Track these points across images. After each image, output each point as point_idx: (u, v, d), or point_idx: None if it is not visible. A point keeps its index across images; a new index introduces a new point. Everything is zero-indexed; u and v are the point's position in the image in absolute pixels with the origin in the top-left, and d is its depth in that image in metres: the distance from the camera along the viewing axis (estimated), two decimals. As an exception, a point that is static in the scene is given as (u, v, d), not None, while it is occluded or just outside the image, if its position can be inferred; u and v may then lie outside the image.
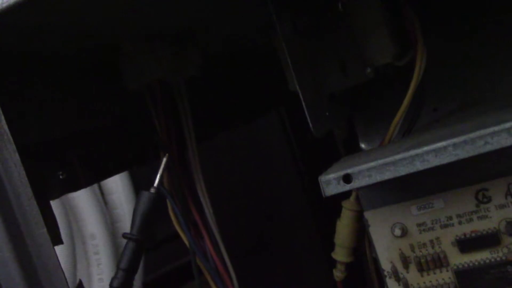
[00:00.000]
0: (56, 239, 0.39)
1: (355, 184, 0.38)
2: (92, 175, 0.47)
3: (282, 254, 0.84)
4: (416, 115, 0.50)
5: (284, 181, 0.90)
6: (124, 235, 0.49)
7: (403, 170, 0.37)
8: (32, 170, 0.37)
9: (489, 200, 0.43)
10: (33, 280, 0.35)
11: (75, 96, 0.47)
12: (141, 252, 0.49)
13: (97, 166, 0.48)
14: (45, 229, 0.36)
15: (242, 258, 0.57)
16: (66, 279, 0.36)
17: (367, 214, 0.47)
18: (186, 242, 0.50)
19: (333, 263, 0.51)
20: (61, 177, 0.43)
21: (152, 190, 0.49)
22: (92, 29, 0.41)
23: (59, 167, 0.43)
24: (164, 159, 0.50)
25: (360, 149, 0.57)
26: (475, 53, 0.52)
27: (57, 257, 0.36)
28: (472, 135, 0.36)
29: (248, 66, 0.74)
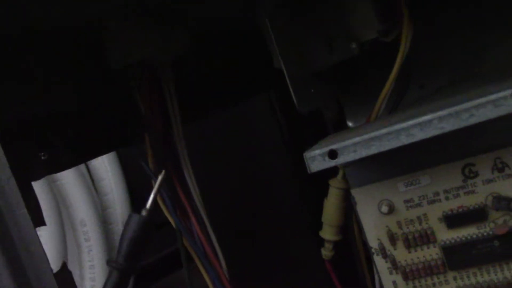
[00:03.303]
0: (38, 221, 0.38)
1: (340, 159, 0.38)
2: (74, 156, 0.46)
3: (270, 235, 0.84)
4: (402, 92, 0.50)
5: (273, 163, 0.89)
6: (109, 263, 0.44)
7: (388, 145, 0.37)
8: (11, 150, 0.36)
9: (476, 175, 0.43)
10: (15, 261, 0.35)
11: (57, 75, 0.46)
12: (127, 282, 0.45)
13: (80, 147, 0.47)
14: (25, 210, 0.35)
15: (229, 238, 0.57)
16: (48, 259, 0.35)
17: (354, 192, 0.46)
18: (172, 222, 0.49)
19: (321, 242, 0.51)
20: (42, 158, 0.42)
21: (144, 213, 0.46)
22: (76, 4, 0.40)
23: (41, 148, 0.42)
24: (159, 178, 0.46)
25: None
26: (461, 29, 0.51)
27: (38, 238, 0.35)
28: (457, 107, 0.35)
29: (236, 48, 0.73)
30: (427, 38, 0.50)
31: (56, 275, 0.37)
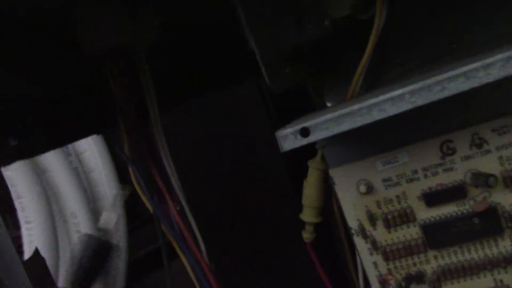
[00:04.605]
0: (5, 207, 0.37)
1: (313, 137, 0.37)
2: (46, 141, 0.45)
3: (253, 221, 0.83)
4: (380, 71, 0.49)
5: (262, 149, 0.88)
6: None
7: (360, 121, 0.36)
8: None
9: (454, 151, 0.42)
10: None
11: (26, 58, 0.44)
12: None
13: (52, 132, 0.46)
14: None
15: (213, 225, 0.56)
16: (12, 244, 0.34)
17: (332, 172, 0.46)
18: (150, 207, 0.49)
19: (302, 224, 0.50)
20: (11, 143, 0.41)
21: (98, 233, 0.39)
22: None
23: (11, 133, 0.41)
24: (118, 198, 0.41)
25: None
26: (440, 5, 0.50)
27: (3, 223, 0.35)
28: (429, 81, 0.34)
29: (221, 33, 0.72)
30: (406, 15, 0.49)
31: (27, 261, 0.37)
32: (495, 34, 0.48)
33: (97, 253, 0.37)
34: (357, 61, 0.48)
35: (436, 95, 0.34)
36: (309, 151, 0.47)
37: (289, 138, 0.38)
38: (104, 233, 0.40)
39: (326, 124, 0.37)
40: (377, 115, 0.36)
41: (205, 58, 0.69)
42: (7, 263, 0.35)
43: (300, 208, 0.51)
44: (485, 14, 0.48)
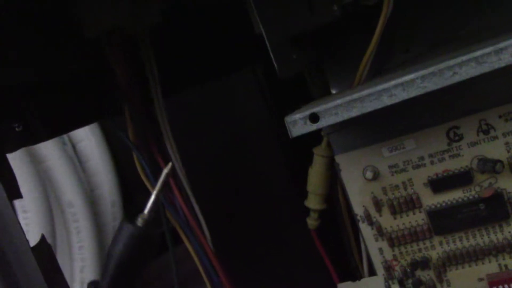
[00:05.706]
0: (14, 193, 0.37)
1: (322, 123, 0.37)
2: (51, 128, 0.45)
3: (257, 208, 0.83)
4: (386, 57, 0.49)
5: (259, 137, 0.88)
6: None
7: (370, 106, 0.36)
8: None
9: (461, 138, 0.42)
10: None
11: (29, 43, 0.44)
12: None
13: (57, 119, 0.45)
14: (-1, 182, 0.34)
15: (214, 213, 0.56)
16: (22, 229, 0.34)
17: (338, 158, 0.46)
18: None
19: (307, 211, 0.50)
20: (17, 129, 0.41)
21: (139, 222, 0.35)
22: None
23: (15, 119, 0.41)
24: (160, 180, 0.38)
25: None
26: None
27: (12, 209, 0.34)
28: (440, 66, 0.34)
29: (220, 20, 0.72)
30: (410, 1, 0.49)
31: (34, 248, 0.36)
32: (497, 22, 0.48)
33: (136, 245, 0.31)
34: (361, 48, 0.48)
35: (448, 80, 0.34)
36: (307, 138, 0.47)
37: (298, 124, 0.38)
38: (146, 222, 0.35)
39: (336, 109, 0.37)
40: (387, 101, 0.36)
41: (208, 45, 0.68)
42: (16, 249, 0.35)
43: (299, 194, 0.51)
44: (488, 2, 0.48)
